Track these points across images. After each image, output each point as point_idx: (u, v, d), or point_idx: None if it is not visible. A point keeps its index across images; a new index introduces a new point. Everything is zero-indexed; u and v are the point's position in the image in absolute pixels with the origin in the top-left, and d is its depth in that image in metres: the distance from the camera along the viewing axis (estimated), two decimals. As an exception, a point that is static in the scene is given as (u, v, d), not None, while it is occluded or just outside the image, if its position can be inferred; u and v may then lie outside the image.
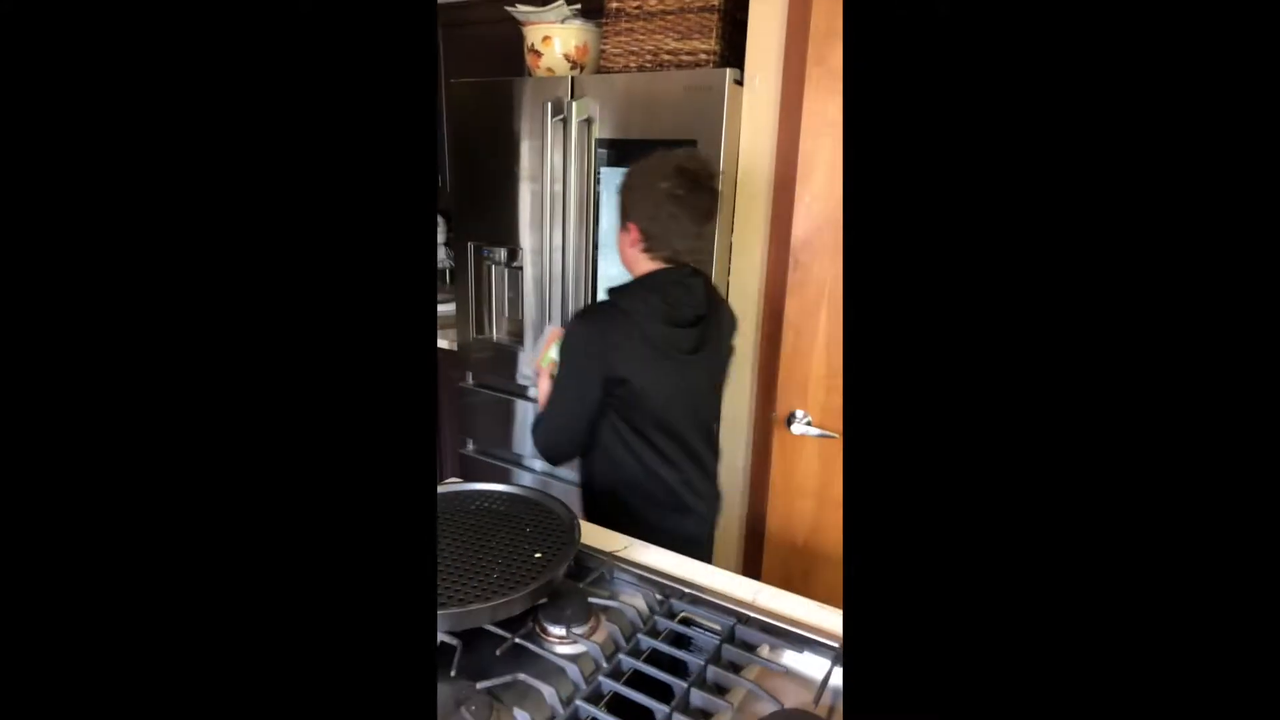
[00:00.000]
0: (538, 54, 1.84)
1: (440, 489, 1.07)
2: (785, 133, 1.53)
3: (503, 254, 2.02)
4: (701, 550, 1.28)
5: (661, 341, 1.15)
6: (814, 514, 1.65)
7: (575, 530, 0.97)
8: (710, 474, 1.32)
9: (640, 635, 0.84)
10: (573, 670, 0.78)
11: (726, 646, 0.83)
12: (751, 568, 1.79)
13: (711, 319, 1.24)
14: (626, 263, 1.24)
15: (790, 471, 1.65)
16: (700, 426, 1.28)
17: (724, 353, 1.33)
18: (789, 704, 0.76)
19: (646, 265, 1.20)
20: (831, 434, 1.57)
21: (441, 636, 0.82)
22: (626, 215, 1.20)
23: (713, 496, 1.32)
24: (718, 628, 0.88)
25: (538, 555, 0.92)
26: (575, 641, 0.84)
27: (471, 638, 0.83)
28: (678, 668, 0.82)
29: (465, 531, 0.97)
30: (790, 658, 0.85)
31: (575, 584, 0.94)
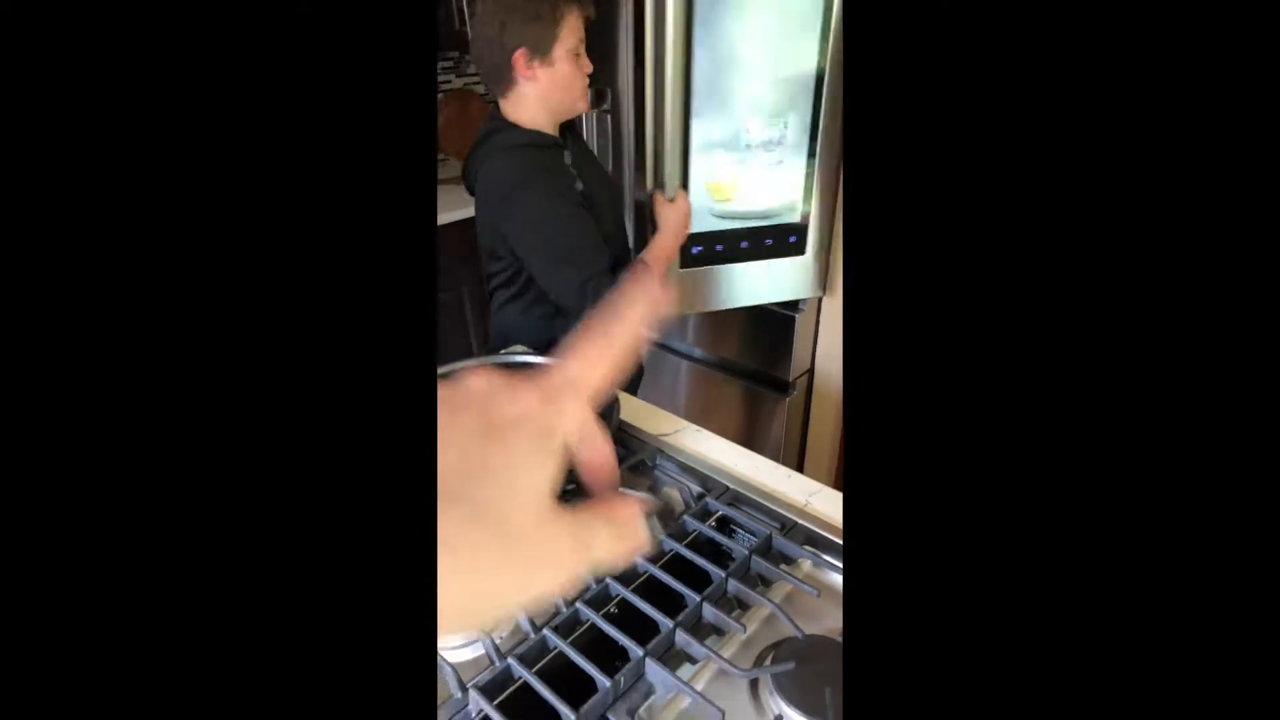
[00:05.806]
0: None
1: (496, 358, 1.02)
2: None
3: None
4: None
5: None
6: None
7: (612, 415, 0.90)
8: None
9: (663, 538, 0.78)
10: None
11: (757, 559, 0.75)
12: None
13: None
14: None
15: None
16: None
17: None
18: (813, 631, 0.68)
19: None
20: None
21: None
22: None
23: None
24: (754, 535, 0.80)
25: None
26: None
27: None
28: (699, 576, 0.75)
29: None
30: (834, 578, 0.77)
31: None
